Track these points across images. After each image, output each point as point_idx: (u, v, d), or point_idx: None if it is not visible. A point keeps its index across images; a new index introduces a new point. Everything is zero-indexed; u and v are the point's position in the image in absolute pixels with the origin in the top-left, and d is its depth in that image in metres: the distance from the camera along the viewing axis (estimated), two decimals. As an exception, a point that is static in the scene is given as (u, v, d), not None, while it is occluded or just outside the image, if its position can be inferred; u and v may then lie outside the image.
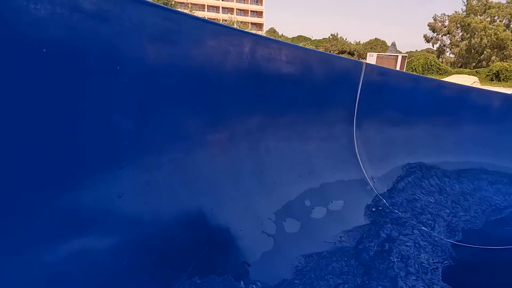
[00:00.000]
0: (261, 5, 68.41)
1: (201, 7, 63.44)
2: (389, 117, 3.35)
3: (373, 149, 3.17)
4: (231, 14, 61.29)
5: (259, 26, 67.81)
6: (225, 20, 19.21)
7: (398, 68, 12.47)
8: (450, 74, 32.94)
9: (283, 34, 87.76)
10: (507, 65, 32.69)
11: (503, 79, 31.10)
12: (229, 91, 1.95)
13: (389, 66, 13.01)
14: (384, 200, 2.83)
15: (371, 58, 13.03)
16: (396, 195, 2.97)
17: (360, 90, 2.93)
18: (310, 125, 2.64)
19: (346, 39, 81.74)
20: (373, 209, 2.73)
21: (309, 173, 2.52)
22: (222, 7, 65.06)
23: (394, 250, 2.33)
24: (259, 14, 69.40)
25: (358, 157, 2.99)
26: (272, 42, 2.21)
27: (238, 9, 66.79)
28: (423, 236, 2.57)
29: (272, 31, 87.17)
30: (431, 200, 3.03)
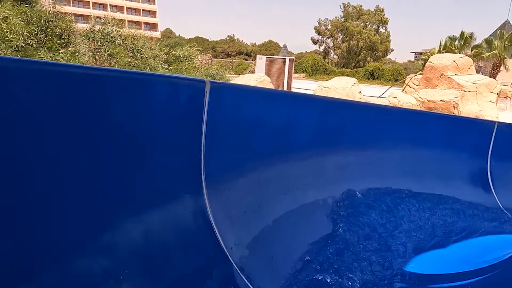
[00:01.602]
0: (154, 4, 64.73)
1: (86, 4, 57.14)
2: (257, 150, 2.44)
3: (235, 200, 2.22)
4: (121, 12, 56.54)
5: (153, 26, 64.14)
6: (98, 18, 16.77)
7: (286, 71, 12.27)
8: (335, 73, 35.51)
9: (180, 35, 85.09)
10: (379, 65, 36.62)
11: (376, 78, 34.70)
12: None
13: (278, 70, 12.72)
14: None
15: (261, 61, 12.59)
16: (272, 275, 2.06)
17: (206, 121, 1.94)
18: (113, 191, 1.54)
19: (242, 40, 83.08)
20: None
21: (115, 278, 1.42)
22: (110, 5, 59.56)
23: None
24: (153, 13, 65.64)
25: (211, 218, 1.99)
26: None
27: (129, 8, 62.02)
28: None
29: (169, 31, 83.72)
30: (324, 269, 2.20)
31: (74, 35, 11.49)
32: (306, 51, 65.43)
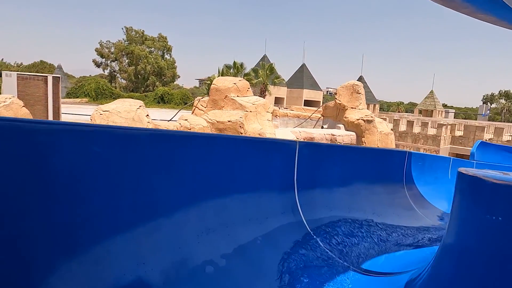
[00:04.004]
0: None
1: None
2: None
3: None
4: None
5: None
6: None
7: (50, 92, 9.33)
8: (124, 98, 32.78)
9: None
10: (168, 89, 36.54)
11: (167, 102, 34.35)
12: None
13: (38, 91, 9.59)
14: None
15: (9, 80, 9.07)
16: None
17: None
18: None
19: (3, 59, 67.04)
20: None
21: None
22: None
23: None
24: None
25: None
26: None
27: None
28: None
29: None
30: None
31: None
32: (90, 75, 58.78)
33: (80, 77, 55.72)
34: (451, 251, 2.18)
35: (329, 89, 77.51)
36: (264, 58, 42.62)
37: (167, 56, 53.64)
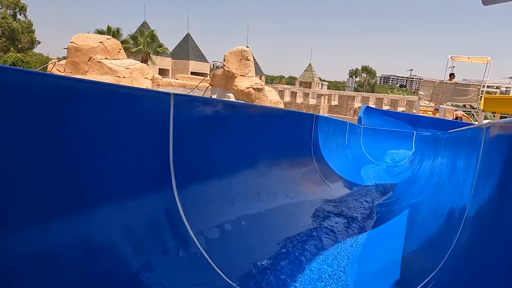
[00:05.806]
0: None
1: None
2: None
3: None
4: None
5: None
6: None
7: None
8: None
9: None
10: (22, 56, 29.35)
11: (22, 71, 27.58)
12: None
13: None
14: None
15: None
16: None
17: None
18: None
19: None
20: None
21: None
22: None
23: None
24: None
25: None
26: None
27: None
28: None
29: None
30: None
31: None
32: None
33: None
34: None
35: (216, 63, 75.97)
36: (144, 24, 38.08)
37: (20, 17, 43.30)
